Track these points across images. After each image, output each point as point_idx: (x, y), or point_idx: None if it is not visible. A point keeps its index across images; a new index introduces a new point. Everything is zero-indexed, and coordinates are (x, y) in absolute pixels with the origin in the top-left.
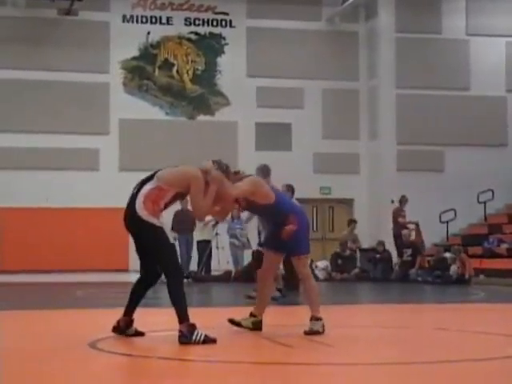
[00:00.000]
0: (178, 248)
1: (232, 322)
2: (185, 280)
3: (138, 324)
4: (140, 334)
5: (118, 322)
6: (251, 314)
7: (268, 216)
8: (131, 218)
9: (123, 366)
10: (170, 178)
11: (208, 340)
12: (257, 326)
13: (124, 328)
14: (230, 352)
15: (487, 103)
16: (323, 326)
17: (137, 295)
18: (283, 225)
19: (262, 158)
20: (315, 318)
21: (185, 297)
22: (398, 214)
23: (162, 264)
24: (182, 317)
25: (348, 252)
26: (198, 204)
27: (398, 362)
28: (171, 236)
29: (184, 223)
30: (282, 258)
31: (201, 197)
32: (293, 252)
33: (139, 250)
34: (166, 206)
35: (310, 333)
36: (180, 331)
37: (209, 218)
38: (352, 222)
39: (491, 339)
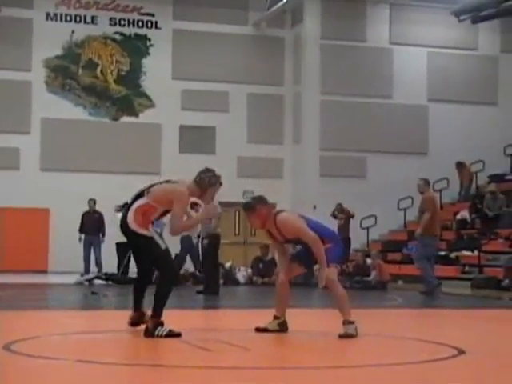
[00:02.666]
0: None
1: (258, 329)
2: (101, 281)
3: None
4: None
5: (131, 318)
6: (275, 317)
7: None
8: (125, 230)
9: (35, 369)
10: (159, 195)
11: (172, 334)
12: (283, 327)
13: (137, 320)
14: (147, 355)
15: (409, 111)
16: (356, 328)
17: (139, 294)
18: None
19: (185, 161)
20: (347, 322)
21: (167, 298)
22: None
23: (158, 268)
24: (155, 313)
25: (269, 256)
26: (175, 223)
27: (316, 367)
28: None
29: (90, 225)
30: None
31: (180, 216)
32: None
33: (134, 257)
34: (158, 218)
35: (344, 336)
36: (146, 325)
37: None
38: None
39: (406, 344)
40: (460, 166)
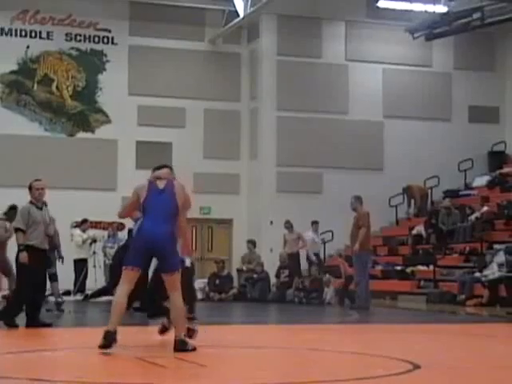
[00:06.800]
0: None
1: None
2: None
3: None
4: None
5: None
6: None
7: None
8: None
9: None
10: None
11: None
12: None
13: None
14: (101, 373)
15: (365, 127)
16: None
17: None
18: None
19: (142, 177)
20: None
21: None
22: None
23: None
24: None
25: (225, 272)
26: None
27: (269, 383)
28: None
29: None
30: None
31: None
32: None
33: None
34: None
35: None
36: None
37: (85, 235)
38: (249, 242)
39: (362, 359)
40: (407, 189)
